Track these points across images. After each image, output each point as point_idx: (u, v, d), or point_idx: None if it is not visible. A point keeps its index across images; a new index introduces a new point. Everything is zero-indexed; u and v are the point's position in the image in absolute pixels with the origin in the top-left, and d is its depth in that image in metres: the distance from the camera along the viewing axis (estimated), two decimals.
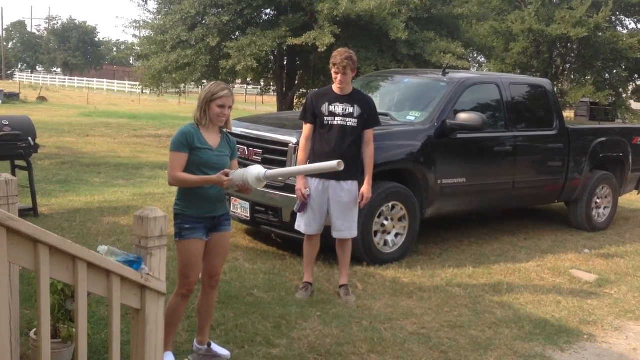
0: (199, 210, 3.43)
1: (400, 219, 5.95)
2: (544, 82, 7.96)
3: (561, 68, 23.83)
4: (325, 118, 4.81)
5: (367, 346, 4.00)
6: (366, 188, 4.84)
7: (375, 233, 5.80)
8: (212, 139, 3.49)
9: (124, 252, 2.65)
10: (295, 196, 4.92)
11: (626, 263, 6.45)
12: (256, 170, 3.44)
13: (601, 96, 21.22)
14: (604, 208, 7.99)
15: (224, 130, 3.58)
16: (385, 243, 5.90)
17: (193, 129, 3.45)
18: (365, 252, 5.69)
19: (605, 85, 22.32)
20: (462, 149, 6.49)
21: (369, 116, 4.86)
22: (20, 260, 2.20)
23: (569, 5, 20.82)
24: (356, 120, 4.80)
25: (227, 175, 3.36)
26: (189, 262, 3.44)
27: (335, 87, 4.87)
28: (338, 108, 4.81)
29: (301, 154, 4.88)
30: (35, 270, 2.24)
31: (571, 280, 5.75)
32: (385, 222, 5.86)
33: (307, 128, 4.91)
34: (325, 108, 4.83)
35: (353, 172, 4.83)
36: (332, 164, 3.52)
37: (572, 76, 23.91)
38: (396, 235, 5.97)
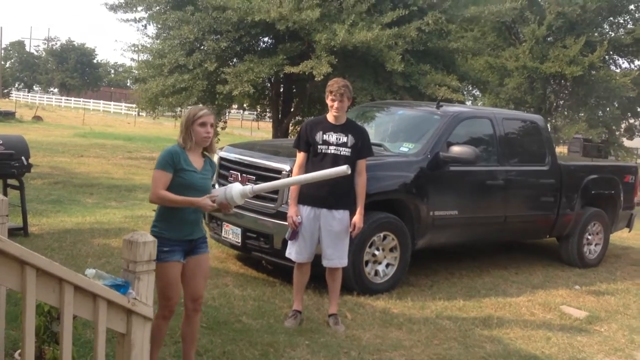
0: (178, 233, 3.44)
1: (391, 250, 5.94)
2: (537, 118, 8.04)
3: (555, 104, 24.09)
4: (319, 147, 4.84)
5: None
6: (358, 218, 4.85)
7: (366, 263, 5.78)
8: (197, 161, 3.54)
9: (111, 275, 2.64)
10: (286, 223, 4.92)
11: (616, 300, 6.44)
12: (238, 187, 3.52)
13: (594, 133, 21.43)
14: (595, 245, 8.01)
15: (206, 153, 3.63)
16: (376, 273, 5.88)
17: (180, 150, 3.49)
18: (355, 282, 5.66)
19: (598, 122, 22.55)
20: (455, 181, 6.51)
21: (362, 146, 4.89)
22: (7, 281, 2.19)
23: (563, 44, 21.13)
24: (350, 150, 4.83)
25: (212, 200, 3.42)
26: (169, 284, 3.42)
27: (329, 116, 4.91)
28: (332, 137, 4.84)
29: None
30: (21, 292, 2.22)
31: (561, 317, 5.74)
32: (377, 252, 5.85)
33: (300, 156, 4.93)
34: (319, 137, 4.86)
35: (345, 201, 4.84)
36: (342, 168, 3.61)
37: (566, 112, 24.17)
38: (387, 265, 5.95)
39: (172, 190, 3.43)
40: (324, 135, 4.85)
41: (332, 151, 4.82)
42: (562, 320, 5.63)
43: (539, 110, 21.39)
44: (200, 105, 3.68)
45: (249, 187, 3.51)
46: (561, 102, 24.18)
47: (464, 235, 6.81)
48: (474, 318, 5.39)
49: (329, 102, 4.86)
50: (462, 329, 5.07)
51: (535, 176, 7.32)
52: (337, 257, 4.89)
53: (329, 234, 4.84)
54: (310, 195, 4.82)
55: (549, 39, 22.28)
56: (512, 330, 5.19)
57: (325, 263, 4.93)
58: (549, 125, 21.14)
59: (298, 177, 4.35)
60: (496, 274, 7.05)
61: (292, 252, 4.93)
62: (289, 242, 4.93)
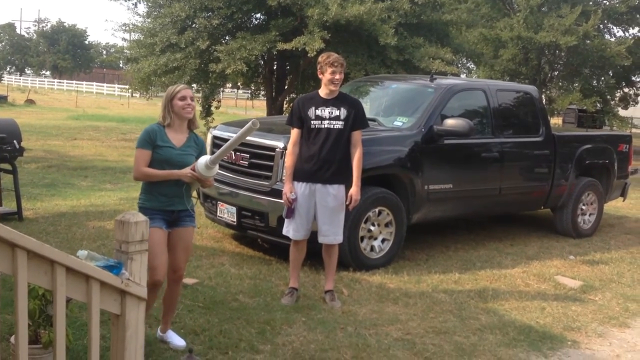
0: (157, 203, 3.68)
1: (386, 225, 5.96)
2: (531, 89, 8.01)
3: (549, 75, 23.99)
4: (312, 122, 4.81)
5: (351, 352, 3.99)
6: (355, 190, 4.83)
7: (362, 238, 5.79)
8: (177, 138, 3.73)
9: (104, 256, 2.63)
10: (281, 201, 4.91)
11: (611, 270, 6.48)
12: (203, 160, 3.63)
13: (588, 103, 21.39)
14: (590, 215, 8.04)
15: (192, 130, 3.82)
16: (372, 248, 5.90)
17: (157, 128, 3.71)
18: (351, 258, 5.68)
19: (592, 92, 22.47)
20: (449, 154, 6.51)
21: (356, 118, 4.85)
22: None
23: (558, 14, 20.97)
24: (343, 123, 4.80)
25: (193, 169, 3.61)
26: (153, 252, 3.49)
27: (322, 92, 4.87)
28: (325, 112, 4.81)
29: (289, 159, 4.88)
30: (13, 275, 2.21)
31: (556, 287, 5.77)
32: (372, 228, 5.86)
33: (294, 133, 4.90)
34: (312, 112, 4.82)
35: (340, 176, 4.82)
36: (248, 124, 3.49)
37: (560, 83, 24.07)
38: (383, 240, 5.97)
39: (153, 166, 3.65)
40: (317, 111, 4.82)
41: (326, 125, 4.79)
42: (557, 290, 5.67)
43: (534, 82, 21.29)
44: (179, 84, 3.79)
45: (208, 158, 3.60)
46: (555, 73, 24.07)
47: (459, 208, 6.82)
48: (470, 290, 5.43)
49: (327, 75, 4.77)
50: (458, 302, 5.11)
51: (529, 147, 7.32)
52: (332, 234, 4.89)
53: (325, 210, 4.83)
54: (305, 171, 4.81)
55: (543, 9, 22.10)
56: (507, 301, 5.23)
57: (321, 239, 4.93)
58: (543, 96, 21.09)
59: (228, 142, 3.72)
60: (491, 247, 7.08)
61: (289, 229, 4.92)
62: (286, 219, 4.92)
